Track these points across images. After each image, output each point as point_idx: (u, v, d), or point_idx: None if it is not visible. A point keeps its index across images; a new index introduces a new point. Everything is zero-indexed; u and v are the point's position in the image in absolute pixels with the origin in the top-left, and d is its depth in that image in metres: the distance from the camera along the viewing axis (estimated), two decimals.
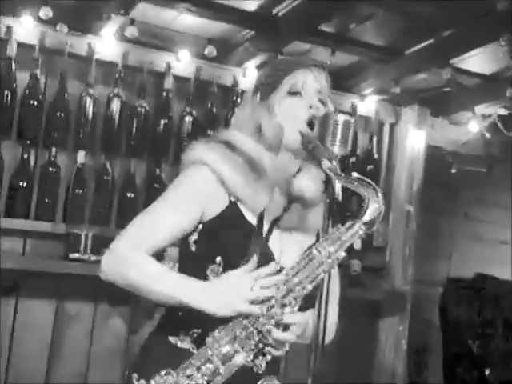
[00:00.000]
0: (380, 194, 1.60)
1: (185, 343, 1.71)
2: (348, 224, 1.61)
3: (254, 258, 1.66)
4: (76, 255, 3.39)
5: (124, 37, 3.53)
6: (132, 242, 1.70)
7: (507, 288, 4.81)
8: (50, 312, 3.59)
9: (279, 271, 1.65)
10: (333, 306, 1.88)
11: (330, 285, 1.56)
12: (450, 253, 5.63)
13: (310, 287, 1.61)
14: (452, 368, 4.83)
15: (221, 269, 1.71)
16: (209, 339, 1.63)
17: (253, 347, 1.62)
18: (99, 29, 3.54)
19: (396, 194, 4.45)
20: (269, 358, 1.69)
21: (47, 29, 3.46)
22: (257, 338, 1.61)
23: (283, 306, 1.62)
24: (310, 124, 1.77)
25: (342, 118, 1.64)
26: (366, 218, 1.60)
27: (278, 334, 1.62)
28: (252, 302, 1.61)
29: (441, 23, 3.36)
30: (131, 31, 3.41)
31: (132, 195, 3.69)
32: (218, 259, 1.71)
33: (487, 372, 4.72)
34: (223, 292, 1.63)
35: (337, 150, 1.63)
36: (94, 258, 3.39)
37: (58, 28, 3.42)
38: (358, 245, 4.13)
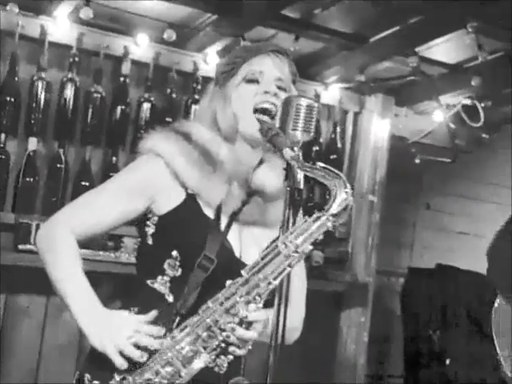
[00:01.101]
0: (348, 185, 1.52)
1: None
2: (315, 216, 1.54)
3: (153, 313, 1.60)
4: (26, 246, 3.26)
5: (79, 19, 3.41)
6: (64, 216, 1.71)
7: (468, 279, 4.83)
8: None
9: (165, 335, 1.58)
10: (299, 302, 1.83)
11: (290, 279, 1.48)
12: (411, 243, 5.65)
13: (275, 282, 1.53)
14: (413, 359, 4.88)
15: (178, 263, 1.66)
16: (167, 340, 1.57)
17: (215, 347, 1.56)
18: (53, 9, 3.40)
19: (359, 184, 4.42)
20: (231, 357, 1.63)
21: None
22: (220, 338, 1.55)
23: (247, 302, 1.55)
24: (267, 112, 1.69)
25: (305, 101, 1.54)
26: (333, 209, 1.52)
27: (241, 332, 1.56)
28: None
29: (407, 10, 3.30)
30: (86, 13, 3.28)
31: (87, 184, 3.57)
32: (175, 253, 1.66)
33: (447, 362, 4.75)
34: (108, 325, 1.57)
35: (299, 135, 1.54)
36: None
37: (8, 8, 3.29)
38: (320, 236, 4.07)
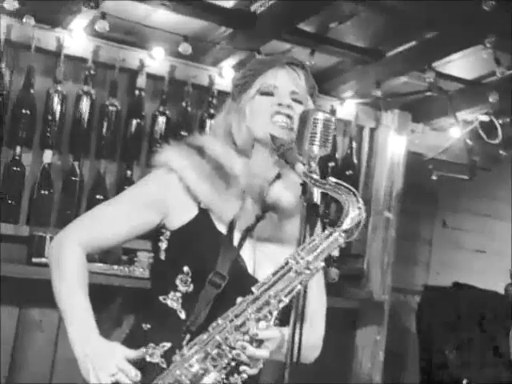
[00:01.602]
0: (360, 200, 1.48)
1: (154, 357, 1.62)
2: (327, 232, 1.50)
3: (142, 350, 1.58)
4: (40, 260, 3.23)
5: (95, 32, 3.40)
6: (74, 229, 1.70)
7: (485, 297, 4.77)
8: (12, 319, 3.44)
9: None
10: (318, 319, 1.80)
11: (306, 297, 1.46)
12: (428, 261, 5.59)
13: (286, 300, 1.50)
14: (429, 378, 4.79)
15: (189, 279, 1.64)
16: (177, 357, 1.53)
17: (225, 365, 1.52)
18: (69, 22, 3.40)
19: (375, 201, 4.38)
20: (245, 376, 1.58)
21: (13, 21, 3.33)
22: (230, 356, 1.51)
23: (258, 320, 1.51)
24: (282, 124, 1.68)
25: (322, 116, 1.52)
26: (346, 225, 1.49)
27: (252, 350, 1.51)
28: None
29: (424, 24, 3.26)
30: (102, 25, 3.27)
31: (101, 197, 3.55)
32: (186, 269, 1.64)
33: (464, 383, 4.69)
34: (96, 358, 1.54)
35: (316, 150, 1.51)
36: None
37: (24, 20, 3.29)
38: (335, 252, 4.04)
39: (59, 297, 1.61)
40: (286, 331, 1.59)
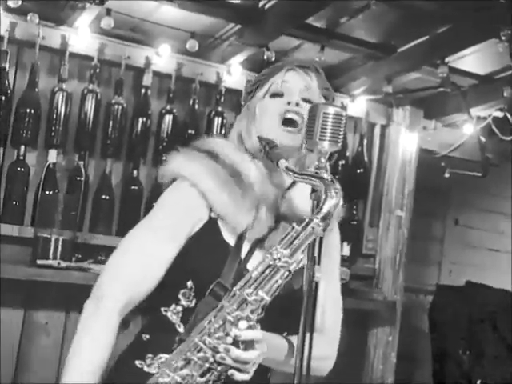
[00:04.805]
0: (338, 186, 1.41)
1: (151, 368, 1.56)
2: (303, 223, 1.42)
3: None
4: (45, 261, 3.19)
5: (100, 29, 3.37)
6: (110, 291, 1.53)
7: (498, 297, 4.71)
8: (17, 321, 3.40)
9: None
10: (332, 328, 1.72)
11: (316, 304, 1.37)
12: (439, 260, 5.54)
13: (267, 297, 1.42)
14: (442, 378, 4.74)
15: (192, 293, 1.57)
16: (161, 364, 1.49)
17: (207, 370, 1.43)
18: (73, 20, 3.36)
19: (387, 199, 4.32)
20: None
21: (17, 19, 3.29)
22: (211, 359, 1.42)
23: (238, 320, 1.42)
24: (290, 122, 1.62)
25: (332, 110, 1.45)
26: (322, 213, 1.40)
27: (237, 353, 1.41)
28: None
29: (437, 17, 3.19)
30: (107, 22, 3.23)
31: (107, 197, 3.53)
32: (190, 284, 1.57)
33: (478, 382, 4.64)
34: None
35: (327, 146, 1.44)
36: (64, 264, 3.21)
37: (28, 18, 3.25)
38: (346, 252, 3.99)
39: (69, 365, 1.48)
40: (295, 340, 1.53)
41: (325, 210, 1.40)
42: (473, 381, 4.63)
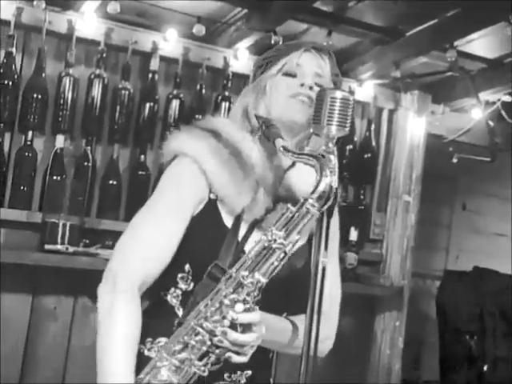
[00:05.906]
0: (332, 166, 1.39)
1: (151, 351, 1.55)
2: (298, 204, 1.41)
3: None
4: (52, 246, 3.20)
5: (107, 14, 3.34)
6: (124, 273, 1.50)
7: (506, 282, 4.71)
8: (25, 307, 3.41)
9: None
10: (331, 308, 1.70)
11: (323, 288, 1.36)
12: (447, 245, 5.53)
13: (263, 279, 1.41)
14: (449, 364, 4.77)
15: (190, 277, 1.56)
16: (160, 348, 1.49)
17: (205, 353, 1.43)
18: (80, 4, 3.34)
19: (394, 184, 4.30)
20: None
21: (24, 4, 3.28)
22: (209, 343, 1.42)
23: (234, 303, 1.41)
24: (303, 99, 1.60)
25: (339, 94, 1.43)
26: (318, 192, 1.39)
27: (235, 335, 1.41)
28: None
29: (445, 2, 3.15)
30: (113, 7, 3.21)
31: (114, 183, 3.53)
32: (187, 267, 1.56)
33: (485, 368, 4.65)
34: None
35: (334, 130, 1.42)
36: (71, 249, 3.22)
37: (35, 3, 3.23)
38: (354, 237, 3.99)
39: (102, 356, 1.47)
40: (299, 323, 1.55)
41: (320, 189, 1.38)
42: (480, 365, 4.64)
